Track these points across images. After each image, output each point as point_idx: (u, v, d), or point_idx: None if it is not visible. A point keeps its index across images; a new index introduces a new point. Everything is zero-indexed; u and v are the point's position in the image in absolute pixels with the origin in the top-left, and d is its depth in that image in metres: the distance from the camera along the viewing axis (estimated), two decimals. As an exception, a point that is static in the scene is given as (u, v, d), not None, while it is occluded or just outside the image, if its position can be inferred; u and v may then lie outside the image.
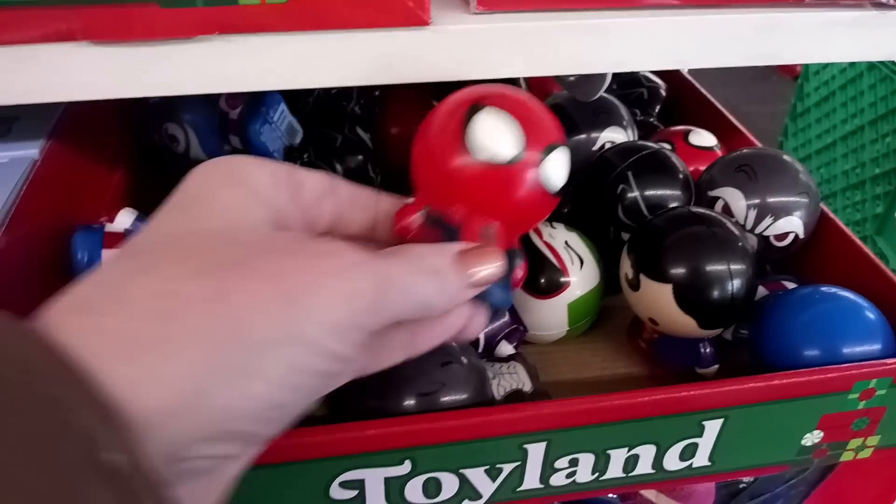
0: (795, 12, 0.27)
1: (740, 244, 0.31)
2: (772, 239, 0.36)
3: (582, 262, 0.35)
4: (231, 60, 0.25)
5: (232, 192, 0.19)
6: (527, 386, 0.31)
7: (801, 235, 0.36)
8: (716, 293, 0.30)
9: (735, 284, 0.30)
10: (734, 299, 0.30)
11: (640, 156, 0.36)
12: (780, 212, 0.36)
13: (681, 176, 0.37)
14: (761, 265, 0.36)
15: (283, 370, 0.17)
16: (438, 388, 0.26)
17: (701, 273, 0.30)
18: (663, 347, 0.34)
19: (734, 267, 0.30)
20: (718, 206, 0.36)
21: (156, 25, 0.24)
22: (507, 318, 0.34)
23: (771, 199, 0.36)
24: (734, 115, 0.49)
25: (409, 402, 0.26)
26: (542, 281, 0.34)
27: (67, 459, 0.13)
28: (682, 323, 0.31)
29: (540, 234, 0.36)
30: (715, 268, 0.30)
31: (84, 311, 0.16)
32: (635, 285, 0.32)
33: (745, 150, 0.38)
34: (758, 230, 0.36)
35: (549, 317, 0.34)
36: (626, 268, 0.33)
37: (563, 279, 0.34)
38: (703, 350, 0.33)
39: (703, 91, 0.53)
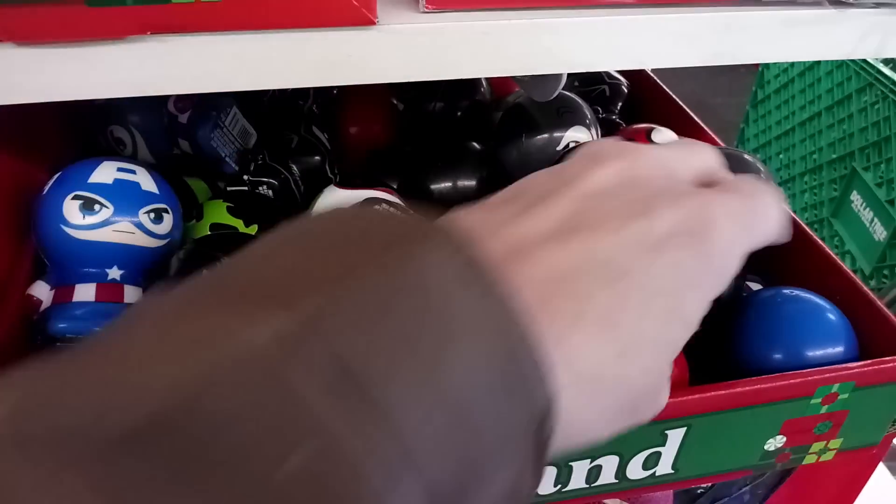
0: (753, 11, 0.26)
1: None
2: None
3: None
4: (166, 62, 0.23)
5: None
6: None
7: (763, 235, 0.36)
8: None
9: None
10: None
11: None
12: (741, 211, 0.35)
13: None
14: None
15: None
16: None
17: None
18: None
19: None
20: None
21: (84, 26, 0.22)
22: None
23: (732, 199, 0.35)
24: (701, 107, 0.49)
25: None
26: None
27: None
28: None
29: None
30: None
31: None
32: None
33: (706, 150, 0.38)
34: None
35: None
36: None
37: None
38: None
39: (665, 88, 0.52)
